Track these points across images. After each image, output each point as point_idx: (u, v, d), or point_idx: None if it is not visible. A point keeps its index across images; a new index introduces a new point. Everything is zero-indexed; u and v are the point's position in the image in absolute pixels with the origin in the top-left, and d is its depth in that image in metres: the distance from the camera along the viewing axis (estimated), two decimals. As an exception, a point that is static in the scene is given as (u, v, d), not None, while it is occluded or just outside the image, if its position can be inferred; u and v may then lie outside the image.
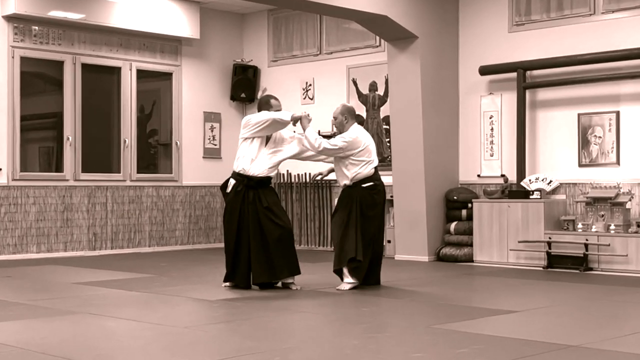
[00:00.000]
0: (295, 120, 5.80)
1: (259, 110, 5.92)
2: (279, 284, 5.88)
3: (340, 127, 6.01)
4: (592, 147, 7.44)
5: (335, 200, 6.11)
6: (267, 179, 5.87)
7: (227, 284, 5.93)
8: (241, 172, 5.80)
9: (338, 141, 5.88)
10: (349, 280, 5.87)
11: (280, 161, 5.92)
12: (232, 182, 5.87)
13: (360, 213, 5.87)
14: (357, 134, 5.95)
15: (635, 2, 7.26)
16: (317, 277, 6.52)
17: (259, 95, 10.04)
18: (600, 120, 7.42)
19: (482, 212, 7.74)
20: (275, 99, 5.95)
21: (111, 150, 9.23)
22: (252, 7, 9.67)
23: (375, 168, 6.00)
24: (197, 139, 9.85)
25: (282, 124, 5.76)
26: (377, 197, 5.94)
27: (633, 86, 7.25)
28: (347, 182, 5.93)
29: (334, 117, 6.04)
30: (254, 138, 5.78)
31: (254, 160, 5.78)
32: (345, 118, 5.98)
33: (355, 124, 6.03)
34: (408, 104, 8.05)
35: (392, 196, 8.31)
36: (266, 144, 5.84)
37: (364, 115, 9.02)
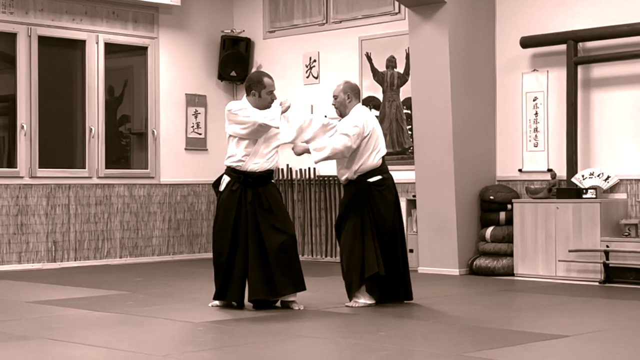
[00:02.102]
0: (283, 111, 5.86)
1: (247, 91, 5.89)
2: (278, 303, 5.87)
3: (342, 108, 6.03)
4: (659, 136, 7.43)
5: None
6: (268, 174, 5.89)
7: (217, 303, 5.93)
8: (236, 167, 5.81)
9: (349, 129, 5.88)
10: (365, 301, 5.89)
11: (279, 145, 5.91)
12: (226, 179, 5.87)
13: (374, 217, 5.88)
14: (364, 117, 5.97)
15: None
16: (323, 295, 6.52)
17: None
18: (669, 103, 7.40)
19: (524, 214, 7.73)
20: (269, 77, 5.92)
21: (74, 141, 9.24)
22: (244, -34, 9.67)
23: (383, 158, 6.03)
24: (178, 127, 9.85)
25: (268, 129, 5.77)
26: (387, 193, 5.97)
27: None
28: (350, 175, 5.94)
29: (334, 96, 6.07)
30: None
31: (250, 155, 5.78)
32: (347, 97, 6.01)
33: (359, 104, 6.06)
34: (434, 84, 8.03)
35: (414, 196, 8.31)
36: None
37: (380, 97, 9.00)
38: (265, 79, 5.86)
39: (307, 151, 6.04)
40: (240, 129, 5.75)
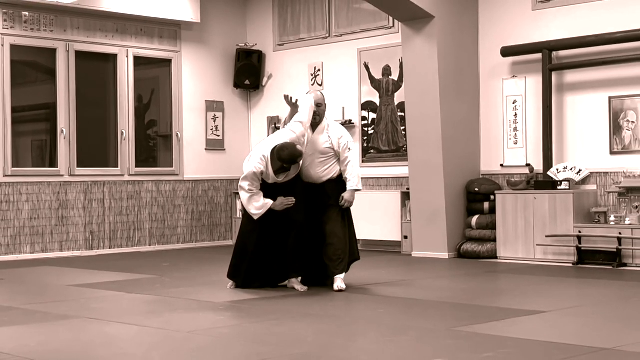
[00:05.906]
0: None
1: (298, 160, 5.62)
2: (288, 284, 5.89)
3: (322, 116, 5.84)
4: (625, 133, 7.38)
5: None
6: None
7: (233, 284, 5.93)
8: None
9: (352, 146, 5.87)
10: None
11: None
12: None
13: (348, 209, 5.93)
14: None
15: (670, -24, 7.17)
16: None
17: (264, 82, 10.06)
18: (633, 104, 7.35)
19: (505, 204, 7.70)
20: (296, 150, 5.52)
21: (108, 143, 9.24)
22: (256, -13, 9.63)
23: None
24: (199, 130, 9.84)
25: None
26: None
27: (668, 67, 7.18)
28: (333, 175, 5.86)
29: (317, 105, 5.74)
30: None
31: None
32: (325, 106, 5.91)
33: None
34: (424, 90, 8.01)
35: (408, 188, 8.29)
36: None
37: (377, 102, 8.98)
38: (297, 154, 5.55)
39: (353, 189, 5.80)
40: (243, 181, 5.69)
